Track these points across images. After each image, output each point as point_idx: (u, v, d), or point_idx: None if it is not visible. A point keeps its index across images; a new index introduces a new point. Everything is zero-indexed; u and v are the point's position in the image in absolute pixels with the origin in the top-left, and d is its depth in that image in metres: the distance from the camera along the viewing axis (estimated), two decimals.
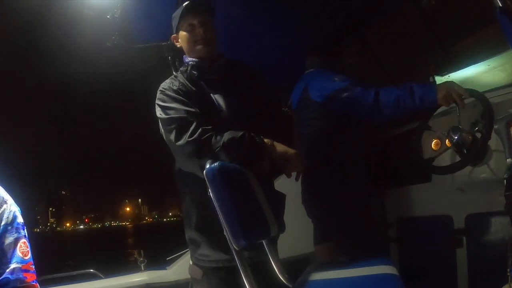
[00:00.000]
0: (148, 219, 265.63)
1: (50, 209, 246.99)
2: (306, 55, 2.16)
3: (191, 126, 1.37)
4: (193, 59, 1.56)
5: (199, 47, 1.53)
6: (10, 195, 1.26)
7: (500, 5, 1.34)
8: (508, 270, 1.19)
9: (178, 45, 1.61)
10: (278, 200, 1.54)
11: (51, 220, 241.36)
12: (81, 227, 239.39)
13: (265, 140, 1.42)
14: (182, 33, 1.56)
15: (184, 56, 1.62)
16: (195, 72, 1.55)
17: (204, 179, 1.28)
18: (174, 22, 1.58)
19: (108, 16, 1.97)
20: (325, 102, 1.92)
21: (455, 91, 1.67)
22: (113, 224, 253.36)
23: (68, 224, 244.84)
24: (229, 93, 1.54)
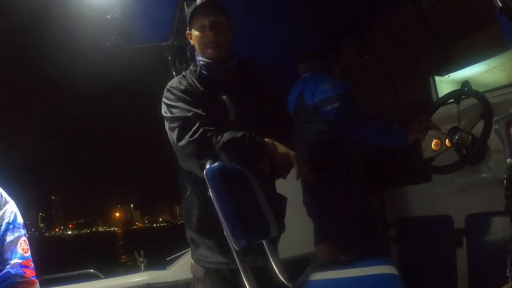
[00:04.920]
0: (139, 224, 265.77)
1: (40, 214, 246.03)
2: (305, 56, 2.16)
3: (193, 126, 1.37)
4: (204, 59, 1.54)
5: (209, 50, 1.51)
6: None
7: (500, 5, 1.33)
8: (508, 270, 1.19)
9: (192, 42, 1.59)
10: (279, 201, 1.54)
11: (41, 225, 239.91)
12: (69, 233, 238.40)
13: (266, 140, 1.42)
14: (195, 33, 1.53)
15: (196, 53, 1.60)
16: (204, 72, 1.54)
17: (205, 179, 1.27)
18: (188, 19, 1.55)
19: (108, 16, 1.97)
20: (316, 107, 1.96)
21: (422, 120, 1.76)
22: (101, 229, 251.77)
23: (57, 230, 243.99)
24: (238, 95, 1.52)
